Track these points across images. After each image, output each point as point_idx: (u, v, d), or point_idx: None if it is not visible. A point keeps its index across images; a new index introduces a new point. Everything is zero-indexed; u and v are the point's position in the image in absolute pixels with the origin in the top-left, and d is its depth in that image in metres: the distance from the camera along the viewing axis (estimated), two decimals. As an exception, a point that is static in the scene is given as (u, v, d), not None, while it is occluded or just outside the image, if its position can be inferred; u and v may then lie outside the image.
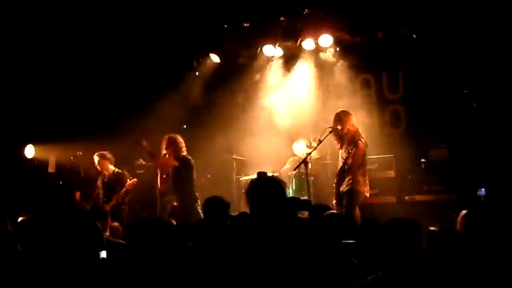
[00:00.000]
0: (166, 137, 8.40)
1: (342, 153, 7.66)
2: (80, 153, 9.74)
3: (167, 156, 8.15)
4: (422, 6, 9.07)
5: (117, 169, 9.10)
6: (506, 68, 7.61)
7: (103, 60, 10.71)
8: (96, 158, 9.06)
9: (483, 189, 6.57)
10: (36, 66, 10.20)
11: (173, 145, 8.24)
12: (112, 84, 11.00)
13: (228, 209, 5.36)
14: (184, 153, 8.32)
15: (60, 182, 10.01)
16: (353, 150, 7.41)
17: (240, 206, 9.57)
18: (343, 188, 7.50)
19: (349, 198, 7.38)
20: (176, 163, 8.08)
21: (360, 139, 7.50)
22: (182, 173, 8.18)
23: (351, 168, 7.41)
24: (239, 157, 10.31)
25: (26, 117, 10.27)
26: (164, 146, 8.25)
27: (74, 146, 9.91)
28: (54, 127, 10.49)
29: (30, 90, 10.28)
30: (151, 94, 11.37)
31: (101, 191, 8.99)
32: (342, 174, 7.64)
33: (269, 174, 4.53)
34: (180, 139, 8.38)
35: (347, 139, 7.53)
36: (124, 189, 8.68)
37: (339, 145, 7.72)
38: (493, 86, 7.67)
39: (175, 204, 8.35)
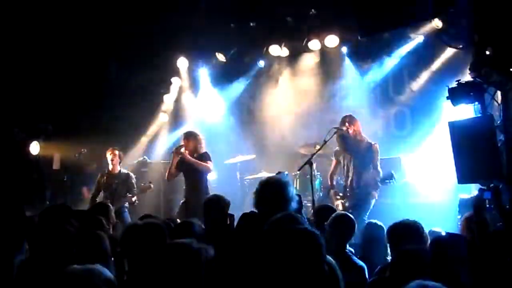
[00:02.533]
0: (185, 133, 8.31)
1: (347, 156, 7.68)
2: (85, 150, 9.75)
3: (186, 151, 8.03)
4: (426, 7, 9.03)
5: (123, 169, 9.03)
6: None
7: (108, 56, 10.75)
8: (111, 153, 8.89)
9: (488, 193, 6.51)
10: (41, 65, 10.23)
11: (194, 141, 8.12)
12: (118, 82, 11.04)
13: (228, 208, 5.34)
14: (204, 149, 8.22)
15: (65, 179, 9.99)
16: (370, 154, 7.47)
17: (244, 205, 9.59)
18: (357, 191, 7.50)
19: (364, 201, 7.42)
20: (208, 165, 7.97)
21: (374, 143, 7.58)
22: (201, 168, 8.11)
23: (366, 171, 7.45)
24: (243, 157, 10.31)
25: (32, 114, 10.31)
26: (184, 142, 8.12)
27: (79, 143, 9.94)
28: (59, 124, 10.53)
29: (36, 87, 10.31)
30: (155, 92, 11.42)
31: (104, 190, 8.88)
32: (352, 176, 7.66)
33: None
34: (201, 136, 8.27)
35: (355, 142, 7.56)
36: (133, 199, 8.59)
37: (343, 148, 7.73)
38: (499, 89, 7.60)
39: (183, 201, 8.24)
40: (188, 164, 8.04)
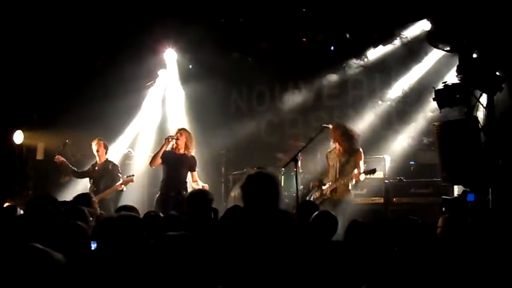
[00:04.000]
0: (180, 129, 8.35)
1: (333, 156, 7.75)
2: (69, 141, 9.67)
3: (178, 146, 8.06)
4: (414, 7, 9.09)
5: (109, 159, 8.97)
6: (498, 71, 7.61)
7: (96, 49, 10.67)
8: (96, 144, 8.83)
9: (472, 194, 6.57)
10: (26, 54, 10.14)
11: (187, 137, 8.14)
12: (104, 73, 10.96)
13: (211, 203, 5.34)
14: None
15: (48, 169, 9.93)
16: (355, 158, 7.60)
17: (227, 200, 9.59)
18: (340, 193, 7.58)
19: (348, 204, 7.53)
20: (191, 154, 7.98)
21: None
22: (187, 164, 8.11)
23: (347, 175, 7.55)
24: (229, 153, 10.30)
25: (16, 103, 10.22)
26: (177, 135, 8.15)
27: (63, 133, 9.86)
28: (44, 113, 10.45)
29: (21, 77, 10.22)
30: (142, 84, 11.35)
31: (91, 179, 8.84)
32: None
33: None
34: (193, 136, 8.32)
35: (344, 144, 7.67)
36: (122, 186, 8.54)
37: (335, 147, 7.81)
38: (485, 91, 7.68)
39: (159, 195, 8.23)
40: (175, 160, 8.03)
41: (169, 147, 8.12)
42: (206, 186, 7.90)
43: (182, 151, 8.07)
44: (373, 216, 8.13)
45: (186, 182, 8.07)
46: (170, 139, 8.07)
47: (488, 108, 7.14)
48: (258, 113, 11.39)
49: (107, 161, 8.86)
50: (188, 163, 8.06)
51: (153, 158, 8.18)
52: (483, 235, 4.98)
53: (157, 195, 8.15)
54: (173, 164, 8.07)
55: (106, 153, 8.87)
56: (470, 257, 4.07)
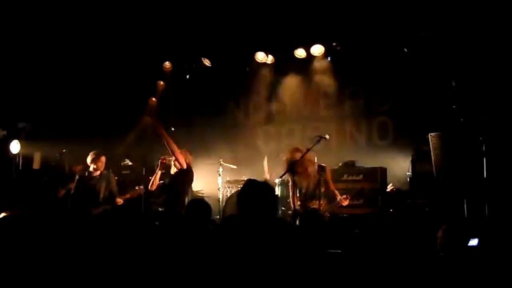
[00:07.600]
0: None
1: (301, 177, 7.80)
2: (66, 150, 9.64)
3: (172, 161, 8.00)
4: (413, 20, 9.14)
5: (104, 171, 8.83)
6: (493, 84, 7.68)
7: (93, 59, 10.69)
8: (97, 157, 8.50)
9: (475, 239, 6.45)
10: (24, 63, 10.16)
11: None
12: (100, 83, 10.98)
13: (210, 213, 5.34)
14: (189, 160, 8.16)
15: (45, 179, 9.89)
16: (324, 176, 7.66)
17: (224, 210, 9.58)
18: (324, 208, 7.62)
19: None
20: (182, 158, 7.91)
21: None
22: (183, 179, 8.05)
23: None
24: (225, 163, 10.28)
25: (13, 113, 10.22)
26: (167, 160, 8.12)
27: (60, 143, 9.84)
28: (41, 123, 10.45)
29: (17, 86, 10.23)
30: (140, 94, 11.37)
31: (84, 192, 8.61)
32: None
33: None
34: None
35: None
36: (128, 195, 8.43)
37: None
38: (480, 103, 7.73)
39: (160, 209, 8.21)
40: (172, 178, 8.00)
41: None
42: None
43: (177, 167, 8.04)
44: (370, 226, 8.15)
45: (184, 199, 7.99)
46: (165, 161, 8.00)
47: (485, 118, 7.18)
48: (255, 123, 11.41)
49: (102, 173, 8.62)
50: (185, 177, 8.00)
51: (152, 183, 8.13)
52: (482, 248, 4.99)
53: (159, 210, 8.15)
54: (170, 183, 8.04)
55: (102, 166, 8.67)
56: (470, 267, 4.08)
